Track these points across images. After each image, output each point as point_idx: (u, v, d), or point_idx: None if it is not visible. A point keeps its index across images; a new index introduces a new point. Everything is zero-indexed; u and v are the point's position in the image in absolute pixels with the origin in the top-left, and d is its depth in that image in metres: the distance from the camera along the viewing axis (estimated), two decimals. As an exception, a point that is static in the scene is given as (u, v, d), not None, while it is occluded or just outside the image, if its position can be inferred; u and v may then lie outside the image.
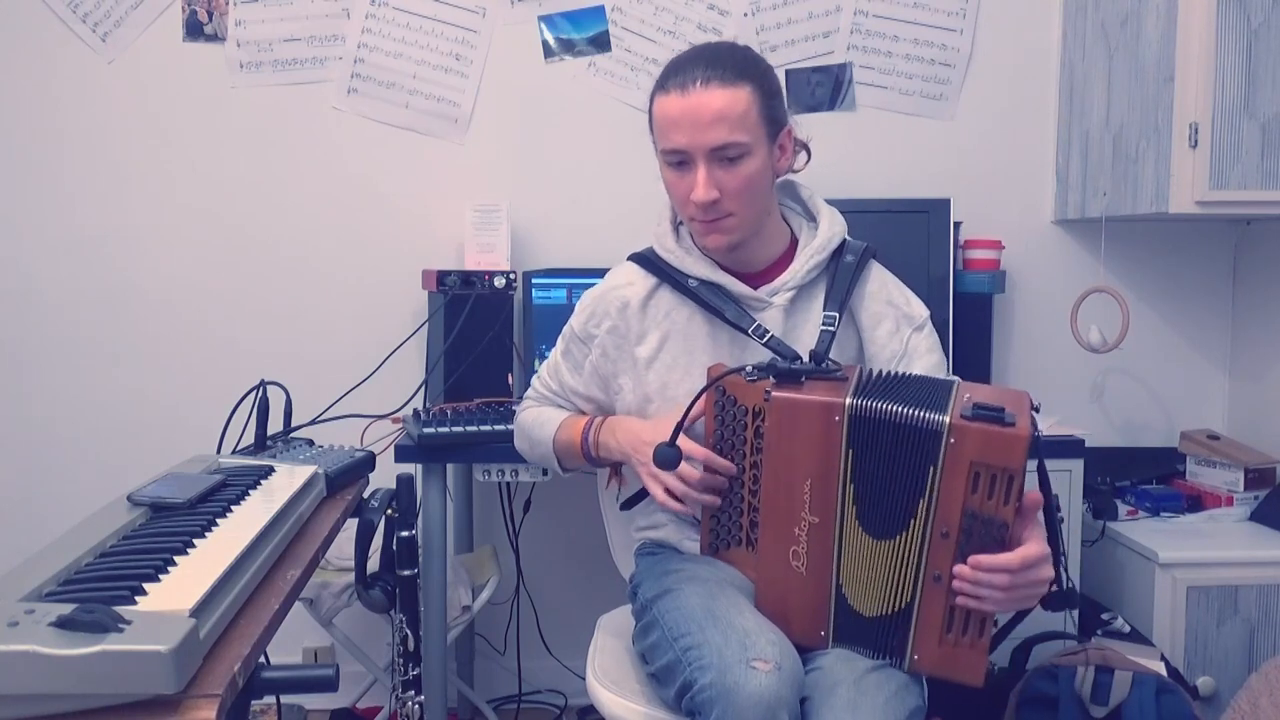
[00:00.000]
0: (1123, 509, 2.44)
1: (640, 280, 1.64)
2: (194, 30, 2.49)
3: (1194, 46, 2.14)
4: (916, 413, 1.33)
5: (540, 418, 1.74)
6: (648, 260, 1.65)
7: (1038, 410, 1.38)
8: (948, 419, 1.31)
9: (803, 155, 1.62)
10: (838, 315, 1.56)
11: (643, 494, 1.65)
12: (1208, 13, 2.12)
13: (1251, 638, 2.19)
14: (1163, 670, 1.96)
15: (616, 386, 1.65)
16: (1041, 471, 1.40)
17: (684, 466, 1.47)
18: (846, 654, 1.41)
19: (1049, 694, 1.93)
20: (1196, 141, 2.14)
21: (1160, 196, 2.20)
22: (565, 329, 1.72)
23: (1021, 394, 1.40)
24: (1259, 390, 2.58)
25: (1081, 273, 2.61)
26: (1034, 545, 1.30)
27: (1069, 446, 2.16)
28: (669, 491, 1.50)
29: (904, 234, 2.33)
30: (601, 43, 2.54)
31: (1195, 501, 2.45)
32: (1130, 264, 2.63)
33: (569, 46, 2.54)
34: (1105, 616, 2.21)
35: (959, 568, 1.32)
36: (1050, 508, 1.39)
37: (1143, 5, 2.27)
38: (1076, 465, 2.19)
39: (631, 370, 1.63)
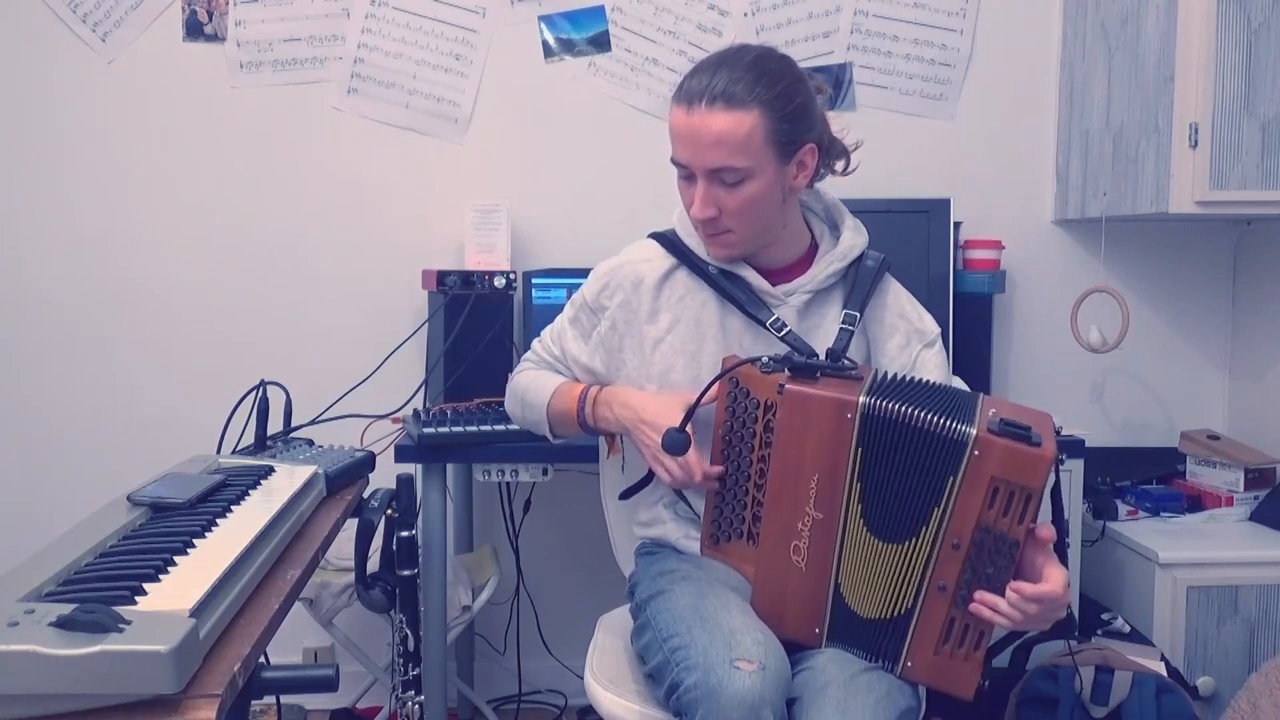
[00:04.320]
0: (1123, 509, 2.43)
1: (659, 259, 1.63)
2: (194, 30, 2.49)
3: (1194, 46, 2.14)
4: (941, 420, 1.32)
5: (536, 381, 1.72)
6: (669, 240, 1.63)
7: (1059, 433, 1.38)
8: (974, 431, 1.31)
9: (841, 163, 1.60)
10: (858, 315, 1.55)
11: (641, 485, 1.65)
12: (1208, 13, 2.12)
13: (1251, 638, 2.19)
14: (1163, 670, 1.96)
15: (619, 361, 1.64)
16: (1056, 493, 1.40)
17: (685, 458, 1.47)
18: (839, 654, 1.41)
19: (1049, 694, 1.93)
20: (1196, 141, 2.14)
21: (1160, 196, 2.20)
22: (576, 296, 1.69)
23: (1045, 415, 1.40)
24: (1259, 390, 2.58)
25: (1081, 273, 2.61)
26: (1060, 572, 1.32)
27: (1069, 446, 2.16)
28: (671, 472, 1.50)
29: (904, 234, 2.33)
30: (601, 43, 2.54)
31: (1195, 501, 2.45)
32: (1130, 264, 2.63)
33: (569, 46, 2.54)
34: (1105, 616, 2.21)
35: (986, 596, 1.32)
36: (1061, 533, 1.39)
37: (1143, 5, 2.27)
38: (1076, 465, 2.19)
39: (638, 349, 1.62)
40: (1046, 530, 1.32)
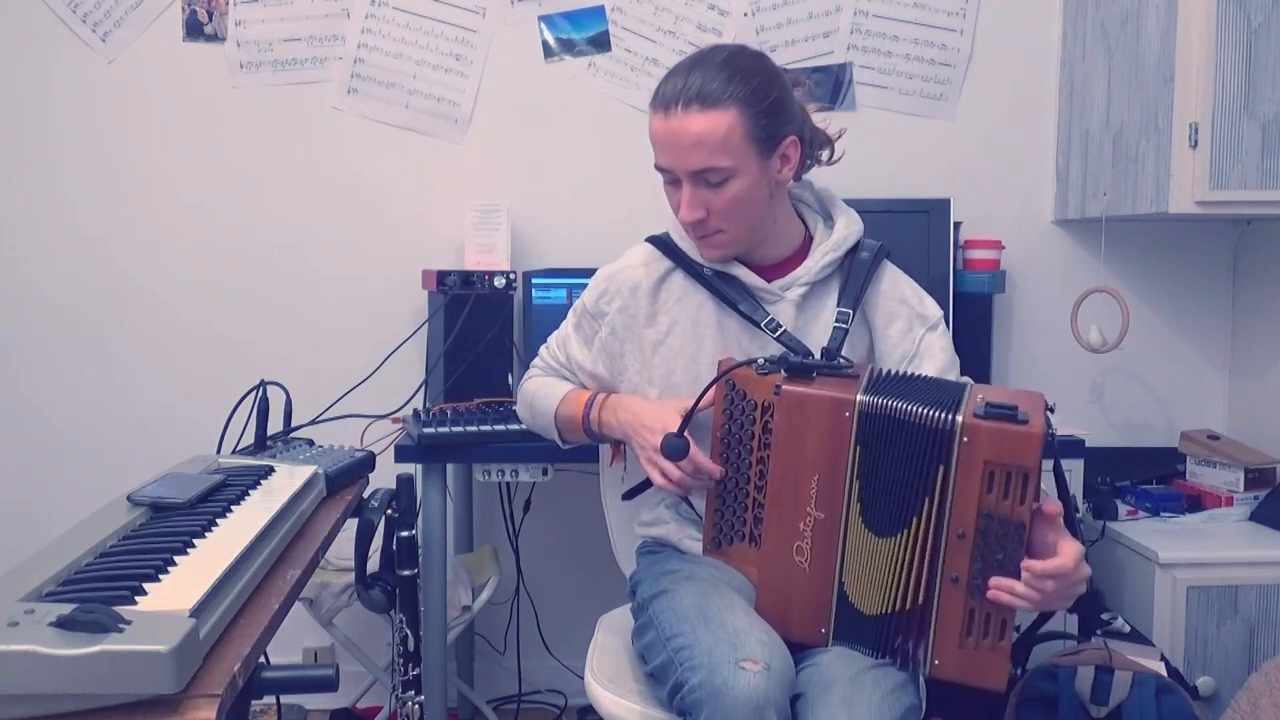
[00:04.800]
0: (1123, 509, 2.43)
1: (655, 263, 1.64)
2: (194, 30, 2.49)
3: (1194, 46, 2.14)
4: (928, 411, 1.32)
5: (544, 388, 1.74)
6: (664, 244, 1.64)
7: (1052, 410, 1.38)
8: (960, 418, 1.31)
9: (826, 152, 1.60)
10: (851, 312, 1.55)
11: (644, 485, 1.65)
12: (1208, 13, 2.12)
13: (1251, 638, 2.19)
14: (1163, 670, 1.96)
15: (622, 366, 1.65)
16: (1058, 470, 1.40)
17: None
18: (844, 651, 1.41)
19: (1049, 694, 1.93)
20: (1196, 141, 2.14)
21: (1160, 196, 2.20)
22: (577, 303, 1.71)
23: (1036, 394, 1.39)
24: (1259, 390, 2.58)
25: (1081, 273, 2.61)
26: (1073, 545, 1.31)
27: (1069, 446, 2.16)
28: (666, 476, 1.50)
29: (904, 234, 2.33)
30: (601, 43, 2.54)
31: (1195, 501, 2.45)
32: (1130, 264, 2.63)
33: (569, 46, 2.54)
34: (1105, 616, 2.21)
35: (1001, 581, 1.32)
36: (1069, 508, 1.38)
37: (1143, 5, 2.27)
38: (1076, 465, 2.19)
39: (638, 352, 1.63)
40: (1053, 505, 1.32)
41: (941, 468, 1.32)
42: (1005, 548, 1.32)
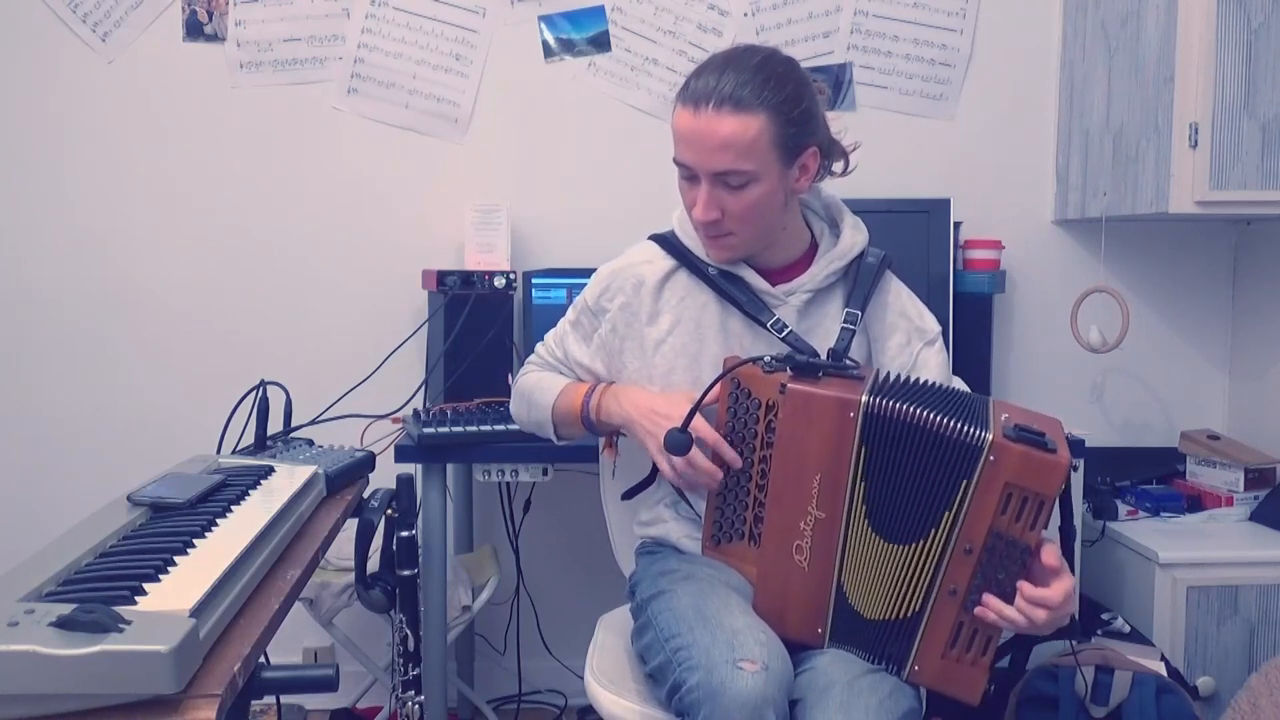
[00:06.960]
0: (1123, 509, 2.43)
1: (659, 260, 1.63)
2: (194, 30, 2.49)
3: (1194, 46, 2.14)
4: (956, 424, 1.32)
5: (542, 383, 1.72)
6: (669, 242, 1.63)
7: (1067, 437, 1.38)
8: (990, 436, 1.30)
9: (840, 164, 1.59)
10: (859, 313, 1.55)
11: (644, 484, 1.65)
12: (1208, 13, 2.12)
13: (1251, 638, 2.19)
14: (1163, 670, 1.96)
15: (620, 364, 1.64)
16: (1066, 500, 1.40)
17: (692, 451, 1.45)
18: (842, 655, 1.41)
19: (1049, 694, 1.93)
20: (1196, 141, 2.14)
21: (1160, 196, 2.20)
22: (578, 299, 1.70)
23: (1055, 420, 1.40)
24: (1259, 390, 2.58)
25: (1081, 273, 2.61)
26: (1068, 580, 1.32)
27: (1069, 447, 2.15)
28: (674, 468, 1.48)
29: (904, 234, 2.33)
30: (601, 43, 2.54)
31: (1195, 501, 2.45)
32: (1130, 264, 2.63)
33: (569, 46, 2.54)
34: (1105, 616, 2.21)
35: (993, 600, 1.32)
36: (1069, 539, 1.39)
37: (1143, 5, 2.27)
38: (1077, 465, 2.19)
39: (639, 350, 1.62)
40: (1053, 558, 1.32)
41: (964, 482, 1.32)
42: (1007, 569, 1.32)
